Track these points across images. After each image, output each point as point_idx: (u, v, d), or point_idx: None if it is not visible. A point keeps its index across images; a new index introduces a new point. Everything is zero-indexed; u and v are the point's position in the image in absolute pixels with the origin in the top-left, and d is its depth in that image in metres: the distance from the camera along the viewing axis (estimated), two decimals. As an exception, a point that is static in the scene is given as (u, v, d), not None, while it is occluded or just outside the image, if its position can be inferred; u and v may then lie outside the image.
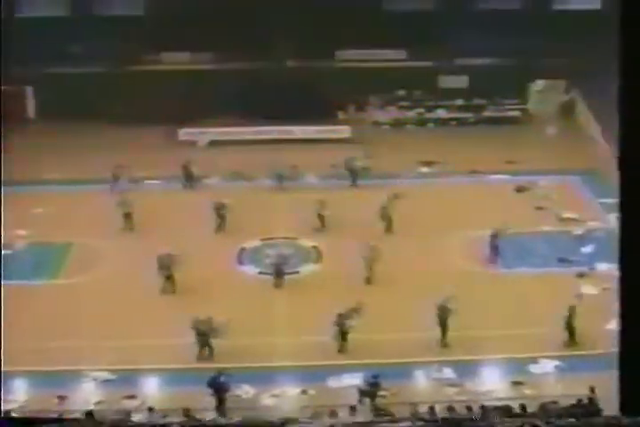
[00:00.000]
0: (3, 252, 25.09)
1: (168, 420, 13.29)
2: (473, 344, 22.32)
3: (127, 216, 28.72)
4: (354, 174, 32.16)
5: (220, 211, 28.68)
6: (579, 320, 21.94)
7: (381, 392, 20.12)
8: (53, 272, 26.50)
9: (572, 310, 21.96)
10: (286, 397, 20.75)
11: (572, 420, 7.14)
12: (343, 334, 21.92)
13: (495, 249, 26.46)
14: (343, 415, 18.26)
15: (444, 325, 22.08)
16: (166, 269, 24.77)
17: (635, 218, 6.78)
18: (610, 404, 16.14)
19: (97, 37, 37.37)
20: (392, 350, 21.96)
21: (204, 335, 21.62)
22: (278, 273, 25.65)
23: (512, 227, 26.87)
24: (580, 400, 18.25)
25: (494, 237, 26.30)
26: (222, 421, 14.46)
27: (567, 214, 29.67)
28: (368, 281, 25.29)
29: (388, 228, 28.24)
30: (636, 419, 6.78)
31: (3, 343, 17.97)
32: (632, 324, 6.77)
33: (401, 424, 7.90)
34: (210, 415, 18.89)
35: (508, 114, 39.47)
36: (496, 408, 17.80)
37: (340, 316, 21.92)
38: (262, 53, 37.41)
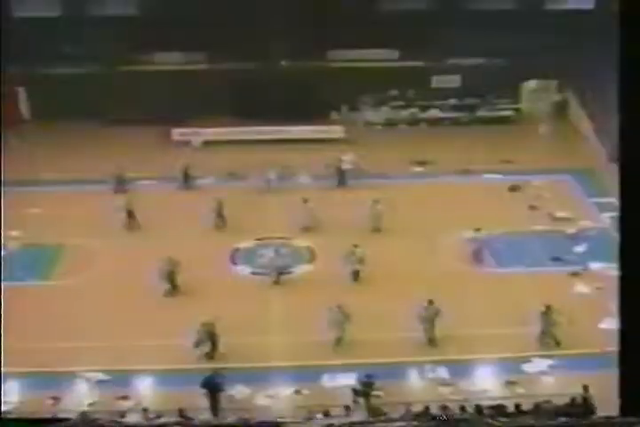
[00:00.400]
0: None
1: (164, 420, 13.24)
2: (467, 344, 22.30)
3: (130, 215, 28.77)
4: (341, 175, 32.18)
5: (219, 210, 28.70)
6: (574, 319, 21.95)
7: (375, 392, 20.10)
8: (47, 273, 26.36)
9: (548, 310, 22.02)
10: (280, 397, 20.69)
11: (574, 419, 7.14)
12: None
13: (478, 251, 26.52)
14: (337, 415, 18.23)
15: (431, 324, 22.13)
16: (169, 274, 24.69)
17: (634, 218, 6.78)
18: (603, 403, 16.21)
19: (90, 38, 37.24)
20: (386, 350, 21.91)
21: (215, 335, 21.63)
22: (272, 273, 25.64)
23: (485, 228, 26.96)
24: (573, 399, 18.26)
25: (474, 238, 26.46)
26: (218, 421, 14.41)
27: (560, 214, 29.72)
28: (355, 278, 25.32)
29: (376, 228, 28.28)
30: (635, 419, 6.79)
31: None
32: (632, 323, 6.78)
33: (396, 424, 7.90)
34: (204, 416, 18.86)
35: (501, 113, 39.54)
36: (490, 408, 17.77)
37: (340, 307, 22.02)
38: (256, 53, 37.34)
